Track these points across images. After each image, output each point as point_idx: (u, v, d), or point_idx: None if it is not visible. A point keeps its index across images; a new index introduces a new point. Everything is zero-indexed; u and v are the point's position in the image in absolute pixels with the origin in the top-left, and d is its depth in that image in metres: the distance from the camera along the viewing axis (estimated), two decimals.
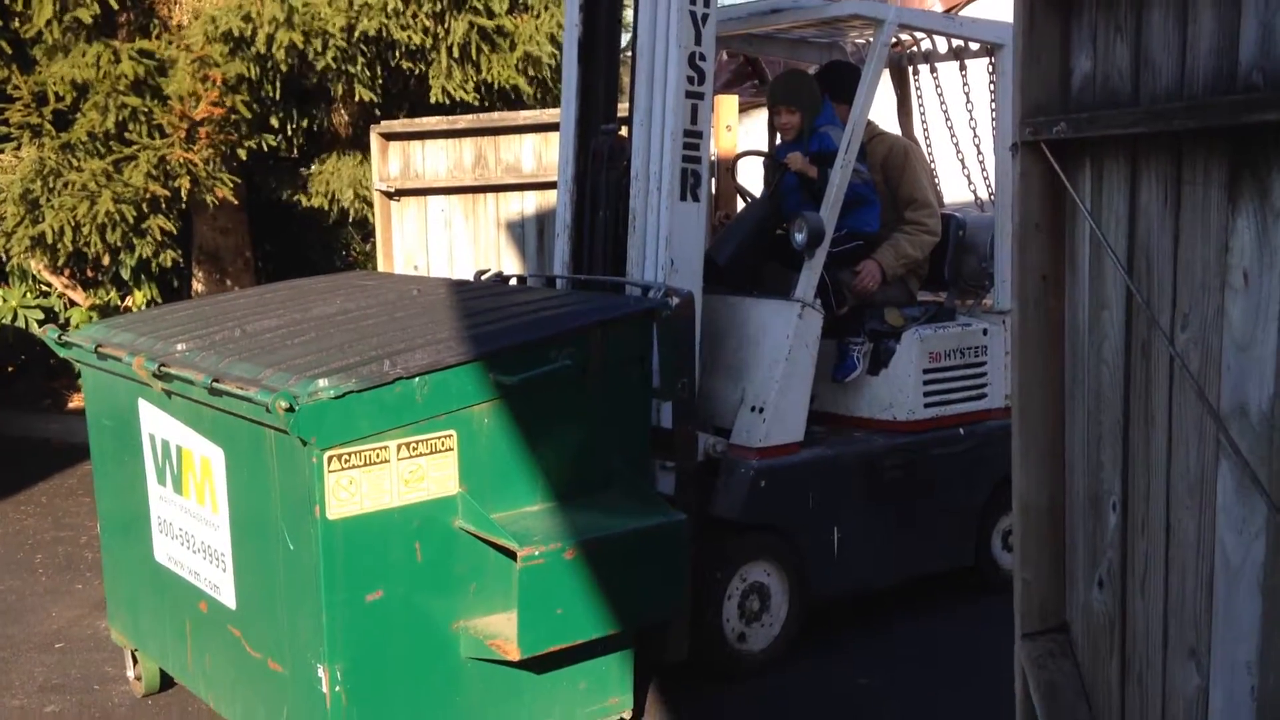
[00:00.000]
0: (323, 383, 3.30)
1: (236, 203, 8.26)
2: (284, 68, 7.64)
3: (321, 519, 3.33)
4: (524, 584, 3.39)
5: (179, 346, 4.02)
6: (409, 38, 7.95)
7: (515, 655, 3.43)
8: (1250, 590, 2.34)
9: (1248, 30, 2.31)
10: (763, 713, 4.55)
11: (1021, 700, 3.15)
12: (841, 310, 5.16)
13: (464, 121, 7.82)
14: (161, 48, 7.78)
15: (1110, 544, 2.87)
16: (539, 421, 3.66)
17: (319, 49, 7.62)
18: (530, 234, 7.78)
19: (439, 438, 3.49)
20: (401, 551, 3.48)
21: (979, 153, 5.81)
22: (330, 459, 3.31)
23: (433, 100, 8.27)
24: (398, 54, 8.11)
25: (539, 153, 7.67)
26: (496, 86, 8.37)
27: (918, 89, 6.10)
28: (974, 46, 5.67)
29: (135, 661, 4.66)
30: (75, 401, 10.18)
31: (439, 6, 7.84)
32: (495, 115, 7.91)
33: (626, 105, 4.99)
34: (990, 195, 5.86)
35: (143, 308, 9.98)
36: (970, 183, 5.96)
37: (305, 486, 3.36)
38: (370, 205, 8.96)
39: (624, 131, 4.96)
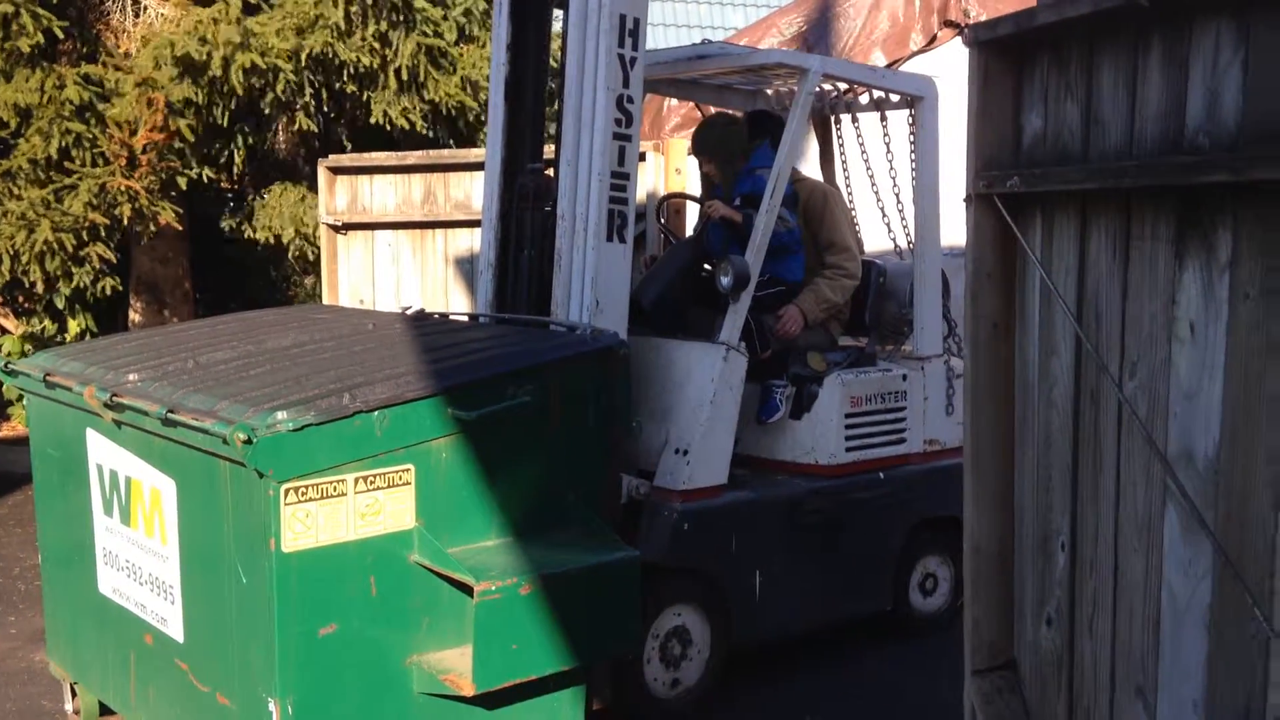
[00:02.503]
0: (281, 415, 3.30)
1: (180, 228, 8.19)
2: (240, 90, 7.62)
3: (277, 551, 3.32)
4: (480, 619, 3.41)
5: (131, 376, 4.00)
6: (357, 59, 7.97)
7: (469, 690, 3.44)
8: (1197, 630, 2.43)
9: (1194, 96, 2.42)
10: None
11: None
12: (765, 354, 5.19)
13: (413, 157, 7.85)
14: (107, 73, 7.73)
15: (1058, 583, 2.96)
16: (496, 457, 3.68)
17: (270, 80, 7.63)
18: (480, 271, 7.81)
19: (397, 472, 3.50)
20: (356, 585, 3.48)
21: (898, 201, 5.88)
22: (287, 491, 3.31)
23: (373, 121, 8.27)
24: (345, 76, 8.11)
25: None
26: (444, 108, 8.39)
27: (839, 137, 6.23)
28: (894, 98, 5.78)
29: (74, 694, 4.58)
30: (3, 430, 10.00)
31: (384, 27, 7.86)
32: (445, 152, 7.97)
33: (552, 146, 5.05)
34: (909, 244, 5.92)
35: (78, 338, 9.85)
36: (890, 231, 6.03)
37: (260, 519, 3.35)
38: (311, 241, 8.94)
39: (549, 172, 5.01)
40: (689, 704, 4.79)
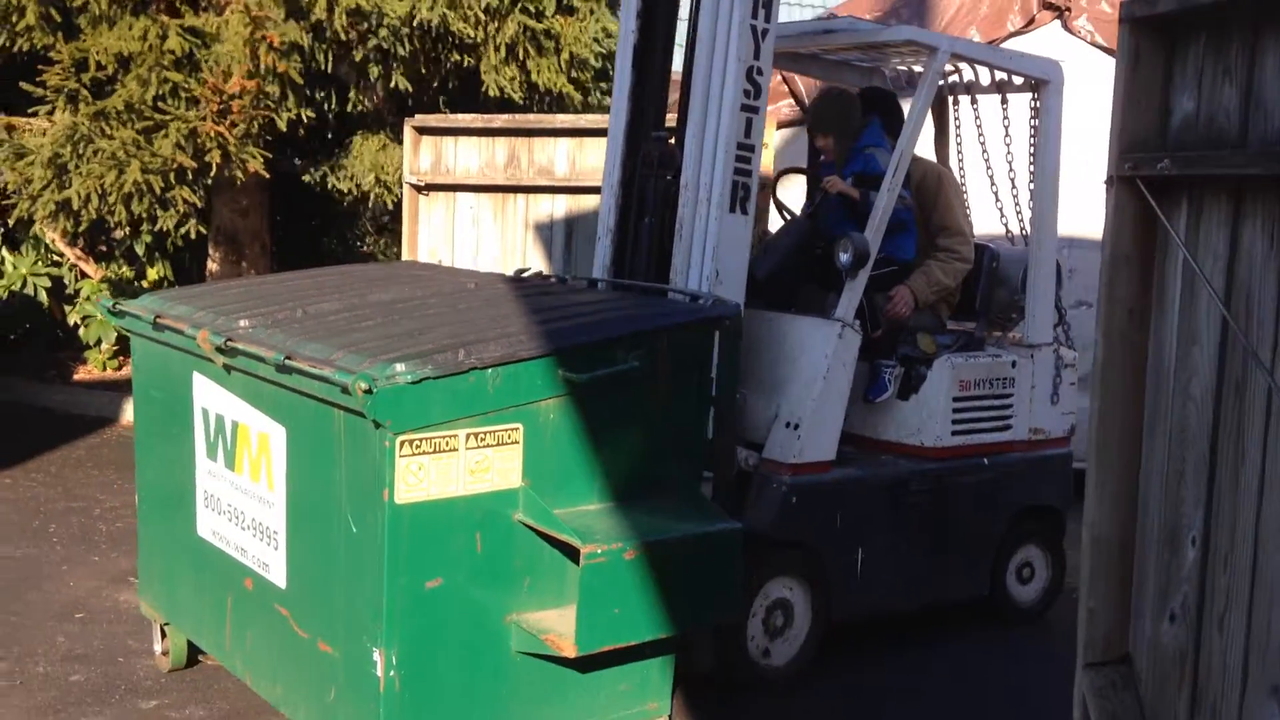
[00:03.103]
0: (400, 367, 3.30)
1: (267, 176, 8.22)
2: (343, 35, 7.63)
3: (390, 503, 3.33)
4: (585, 582, 3.41)
5: (242, 323, 4.02)
6: (464, 30, 7.96)
7: (571, 652, 3.44)
8: None
9: None
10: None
11: None
12: (875, 333, 5.18)
13: (500, 120, 7.85)
14: (209, 22, 7.77)
15: (1186, 578, 2.90)
16: (602, 421, 3.67)
17: (374, 25, 7.63)
18: (559, 237, 7.80)
19: (506, 430, 3.50)
20: (463, 541, 3.49)
21: (1014, 187, 5.85)
22: (402, 443, 3.32)
23: (489, 94, 8.29)
24: (449, 45, 8.11)
25: (572, 157, 7.69)
26: (542, 89, 8.38)
27: (956, 119, 6.15)
28: (1017, 81, 5.72)
29: (164, 636, 4.64)
30: (80, 374, 10.14)
31: (494, 2, 7.86)
32: (531, 116, 7.94)
33: (672, 115, 5.06)
34: (1023, 230, 5.92)
35: (155, 285, 9.95)
36: (1003, 216, 6.01)
37: (374, 469, 3.36)
38: (391, 190, 8.95)
39: (672, 140, 5.00)
40: (788, 675, 4.84)
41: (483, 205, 8.03)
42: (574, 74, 8.65)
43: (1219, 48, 2.82)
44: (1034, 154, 5.60)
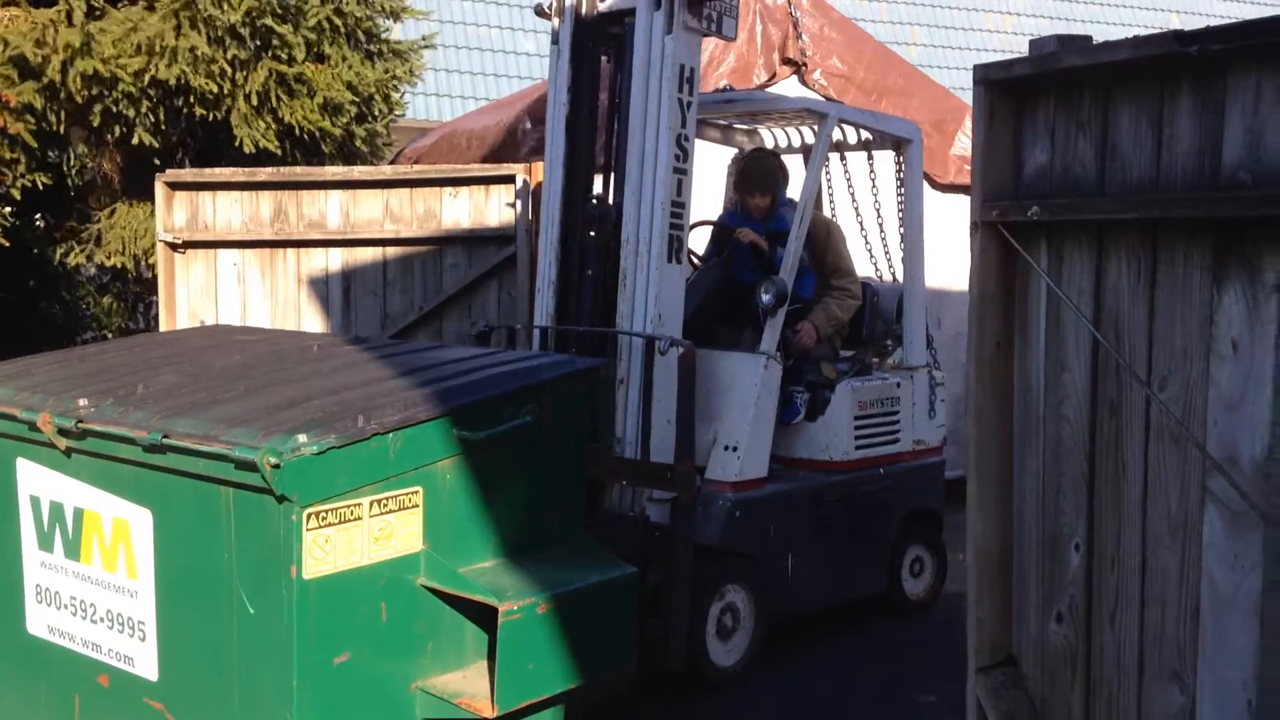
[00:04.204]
0: (302, 438, 3.21)
1: (7, 243, 7.64)
2: (79, 99, 7.19)
3: (298, 579, 3.22)
4: (504, 639, 3.39)
5: (80, 402, 3.77)
6: (205, 86, 7.64)
7: (491, 712, 3.41)
8: (1246, 618, 2.70)
9: (1233, 136, 2.70)
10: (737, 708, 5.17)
11: None
12: (788, 362, 5.79)
13: (264, 174, 7.59)
14: None
15: (1071, 581, 3.20)
16: (494, 477, 3.68)
17: (107, 90, 7.24)
18: (335, 291, 7.62)
19: (407, 494, 3.45)
20: (368, 611, 3.41)
21: (881, 231, 6.62)
22: (309, 516, 3.22)
23: (244, 149, 7.95)
24: (191, 100, 7.77)
25: (346, 209, 7.55)
26: (300, 131, 8.13)
27: (828, 174, 6.78)
28: (882, 139, 6.45)
29: None
30: None
31: (242, 54, 7.58)
32: (299, 170, 7.74)
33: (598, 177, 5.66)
34: (890, 269, 6.72)
35: None
36: (872, 257, 6.78)
37: (276, 546, 3.24)
38: (148, 258, 8.50)
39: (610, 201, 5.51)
40: (738, 672, 5.38)
41: (248, 262, 7.74)
42: (329, 118, 8.47)
43: (1069, 105, 3.16)
44: (902, 202, 6.40)
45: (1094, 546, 3.13)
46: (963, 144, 8.74)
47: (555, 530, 3.90)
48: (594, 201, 5.49)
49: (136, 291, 9.86)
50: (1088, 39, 3.18)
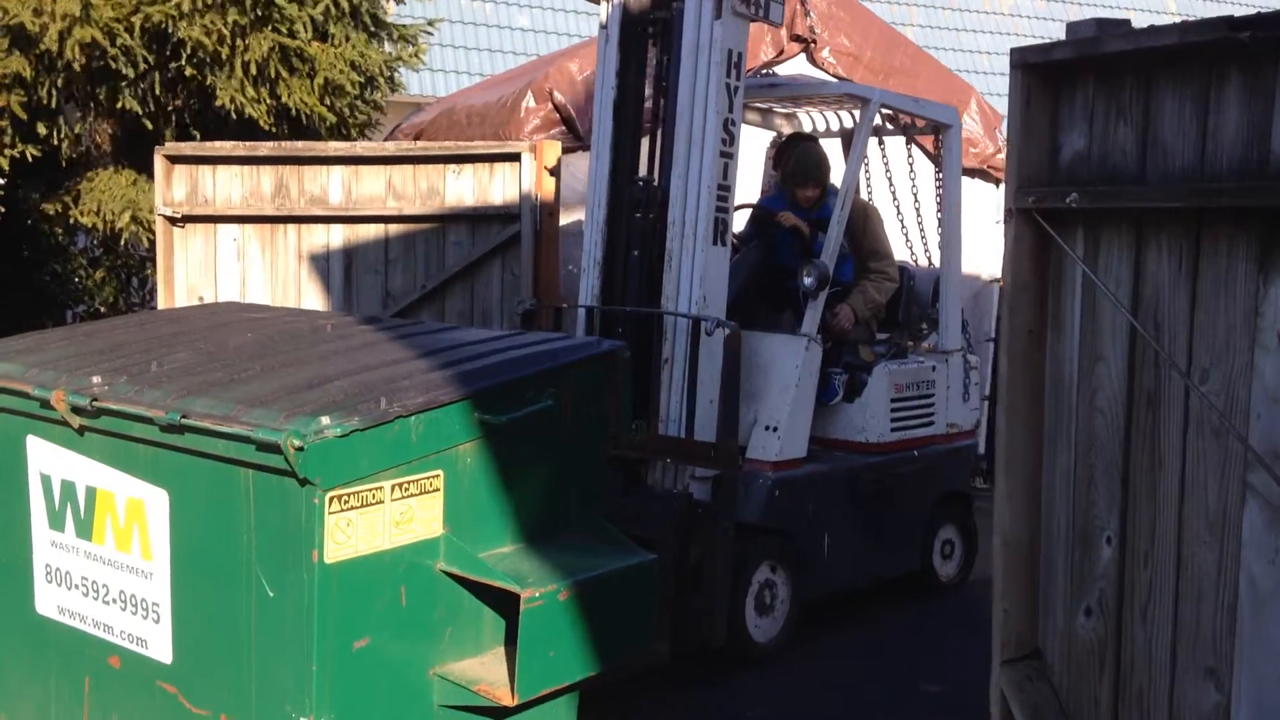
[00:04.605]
0: (325, 420, 3.15)
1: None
2: (77, 67, 7.07)
3: (320, 563, 3.17)
4: (525, 627, 3.35)
5: (94, 380, 3.70)
6: (200, 40, 7.49)
7: (511, 700, 3.37)
8: None
9: None
10: (771, 690, 5.22)
11: None
12: (826, 345, 5.87)
13: (265, 148, 7.49)
14: None
15: (1102, 575, 3.17)
16: (514, 462, 3.62)
17: (106, 52, 7.12)
18: (337, 268, 7.53)
19: (428, 478, 3.40)
20: (389, 596, 3.36)
21: (918, 216, 6.71)
22: (331, 500, 3.17)
23: (221, 106, 7.79)
24: (183, 56, 7.61)
25: (348, 185, 7.45)
26: (294, 111, 8.02)
27: (866, 158, 6.78)
28: (920, 124, 6.54)
29: None
30: None
31: (243, 19, 7.45)
32: (300, 144, 7.63)
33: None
34: (926, 253, 6.81)
35: None
36: (908, 241, 6.84)
37: (298, 529, 3.19)
38: (147, 229, 8.39)
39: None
40: (778, 645, 5.49)
41: (248, 237, 7.65)
42: (328, 100, 8.36)
43: (1110, 91, 3.11)
44: (940, 187, 6.50)
45: (1127, 540, 3.10)
46: (969, 126, 8.68)
47: (574, 515, 3.85)
48: (640, 184, 5.56)
49: (130, 265, 9.75)
50: (1126, 23, 3.13)
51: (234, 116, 7.90)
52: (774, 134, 7.23)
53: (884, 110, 6.37)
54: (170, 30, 7.39)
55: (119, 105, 7.76)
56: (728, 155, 5.32)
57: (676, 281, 5.30)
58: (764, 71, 7.19)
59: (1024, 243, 3.32)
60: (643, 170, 5.65)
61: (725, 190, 5.33)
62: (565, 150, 8.41)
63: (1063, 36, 3.21)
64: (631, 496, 5.15)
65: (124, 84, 7.59)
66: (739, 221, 6.52)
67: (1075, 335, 3.25)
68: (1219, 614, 2.83)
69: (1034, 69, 3.26)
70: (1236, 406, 2.77)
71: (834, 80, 6.98)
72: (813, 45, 8.49)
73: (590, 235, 5.62)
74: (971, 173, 7.88)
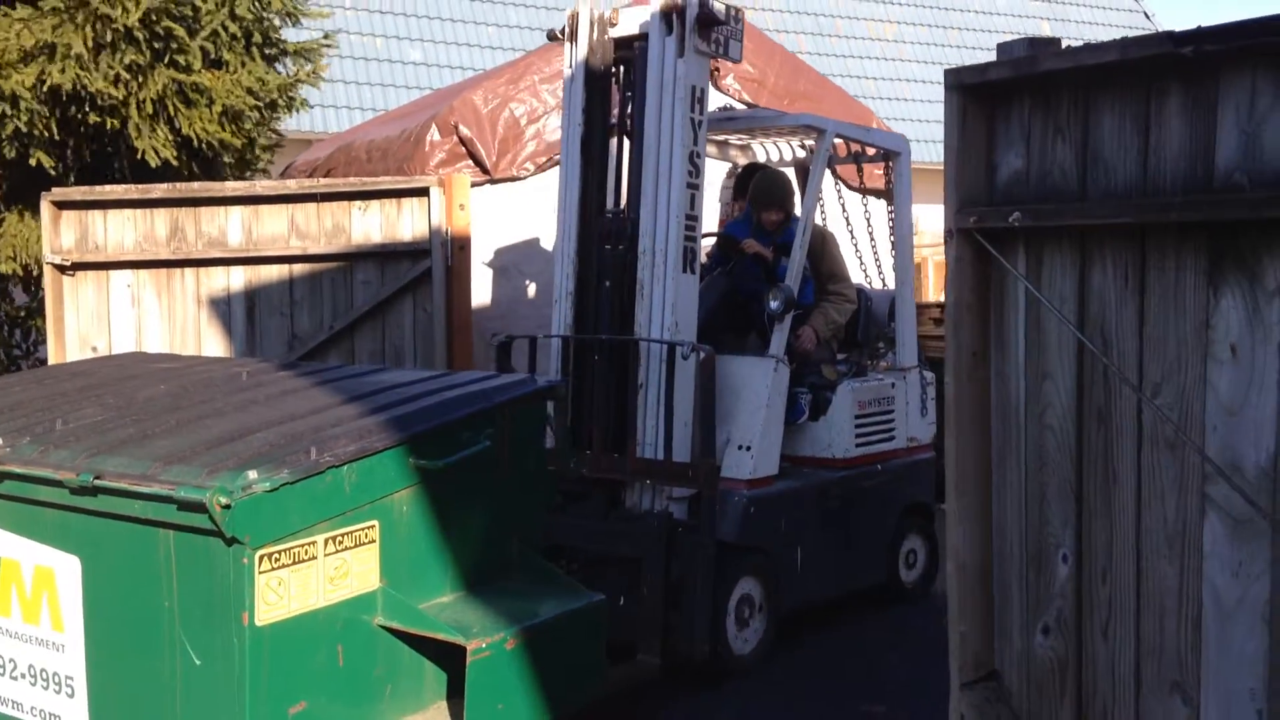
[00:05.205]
0: (253, 474, 2.97)
1: None
2: None
3: (250, 626, 2.98)
4: (473, 680, 3.19)
5: None
6: (104, 89, 7.22)
7: None
8: (1252, 626, 2.65)
9: (1226, 138, 2.66)
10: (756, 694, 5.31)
11: None
12: (792, 365, 5.98)
13: (159, 190, 7.22)
14: None
15: (1059, 593, 3.13)
16: (453, 507, 3.48)
17: (8, 111, 6.81)
18: (238, 311, 7.28)
19: (363, 529, 3.24)
20: (325, 656, 3.18)
21: (871, 240, 6.97)
22: (261, 558, 2.99)
23: (147, 161, 7.53)
24: (86, 109, 7.34)
25: (248, 226, 7.22)
26: (198, 143, 7.75)
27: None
28: (870, 152, 6.77)
29: None
30: None
31: (140, 59, 7.19)
32: (196, 185, 7.37)
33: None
34: (880, 275, 7.03)
35: None
36: (862, 264, 7.04)
37: (226, 591, 3.00)
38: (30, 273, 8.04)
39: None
40: (753, 660, 5.57)
41: (143, 283, 7.36)
42: (229, 126, 8.10)
43: (1047, 110, 3.09)
44: (892, 212, 6.67)
45: (1083, 556, 3.06)
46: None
47: (516, 558, 3.72)
48: (609, 216, 5.73)
49: (13, 316, 9.33)
50: (1057, 41, 3.12)
51: (147, 160, 7.60)
52: (730, 165, 7.40)
53: (836, 140, 6.56)
54: (78, 88, 7.11)
55: (31, 162, 7.44)
56: (694, 186, 5.52)
57: (649, 309, 5.48)
58: (722, 107, 7.30)
59: (965, 262, 3.28)
60: (609, 204, 5.81)
61: (693, 220, 5.53)
62: (473, 184, 8.31)
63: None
64: (610, 519, 5.39)
65: (34, 137, 7.28)
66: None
67: (1020, 354, 3.22)
68: (1183, 628, 2.80)
69: (969, 90, 3.23)
70: (1191, 420, 2.75)
71: (790, 113, 7.15)
72: (717, 72, 8.49)
73: (561, 267, 5.76)
74: (876, 193, 7.93)
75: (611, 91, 5.83)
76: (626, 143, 5.77)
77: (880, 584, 6.48)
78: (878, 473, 6.30)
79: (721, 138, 6.89)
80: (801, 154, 7.06)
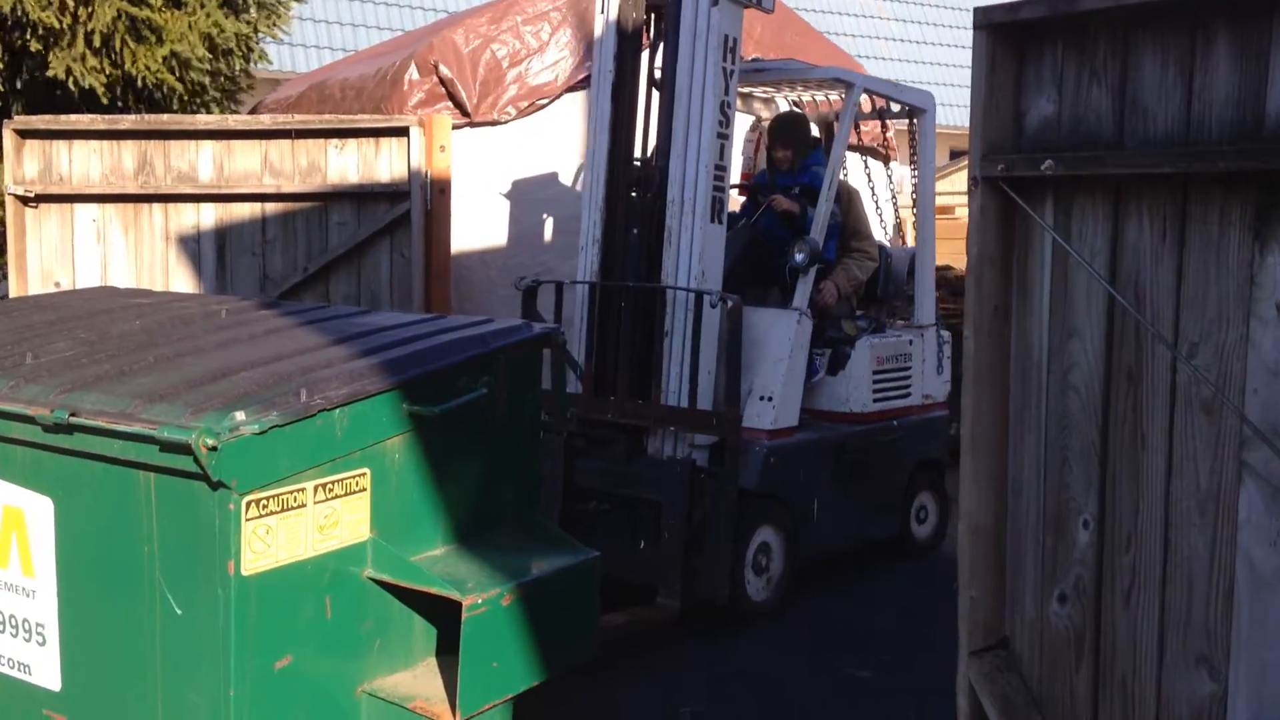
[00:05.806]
0: (240, 415, 2.80)
1: None
2: None
3: (236, 575, 2.82)
4: (468, 636, 3.05)
5: None
6: (45, 18, 6.91)
7: (452, 718, 3.07)
8: None
9: (1278, 82, 2.52)
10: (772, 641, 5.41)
11: (968, 715, 3.24)
12: (813, 320, 6.04)
13: (127, 122, 6.96)
14: None
15: (1079, 560, 3.02)
16: (446, 456, 3.32)
17: None
18: (209, 250, 7.05)
19: (354, 476, 3.08)
20: (312, 609, 3.03)
21: (892, 197, 7.09)
22: (248, 504, 2.82)
23: (50, 75, 7.21)
24: (27, 35, 7.03)
25: (219, 161, 6.98)
26: (140, 82, 7.45)
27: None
28: (895, 109, 6.75)
29: None
30: None
31: None
32: (166, 117, 7.12)
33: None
34: (900, 232, 7.16)
35: None
36: (882, 221, 7.08)
37: (211, 538, 2.84)
38: None
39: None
40: (775, 605, 5.70)
41: (109, 218, 7.11)
42: (176, 71, 7.80)
43: (1082, 52, 2.94)
44: (915, 169, 6.64)
45: (1106, 523, 2.95)
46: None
47: (511, 512, 3.57)
48: (638, 164, 5.71)
49: None
50: None
51: (73, 88, 7.28)
52: (753, 118, 7.36)
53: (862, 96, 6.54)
54: (19, 13, 6.80)
55: None
56: (724, 136, 5.51)
57: (676, 258, 5.50)
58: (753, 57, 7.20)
59: (989, 213, 3.14)
60: (636, 152, 5.79)
61: (722, 170, 5.52)
62: (454, 127, 8.07)
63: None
64: (634, 464, 5.46)
65: None
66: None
67: (1045, 310, 3.09)
68: (1212, 599, 2.70)
69: (998, 29, 3.07)
70: (1231, 381, 2.64)
71: (820, 65, 7.04)
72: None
73: (589, 214, 5.76)
74: (864, 150, 7.78)
75: (644, 38, 5.83)
76: (655, 92, 5.78)
77: (893, 538, 6.58)
78: (894, 428, 6.38)
79: (747, 90, 6.87)
80: (824, 110, 7.08)
